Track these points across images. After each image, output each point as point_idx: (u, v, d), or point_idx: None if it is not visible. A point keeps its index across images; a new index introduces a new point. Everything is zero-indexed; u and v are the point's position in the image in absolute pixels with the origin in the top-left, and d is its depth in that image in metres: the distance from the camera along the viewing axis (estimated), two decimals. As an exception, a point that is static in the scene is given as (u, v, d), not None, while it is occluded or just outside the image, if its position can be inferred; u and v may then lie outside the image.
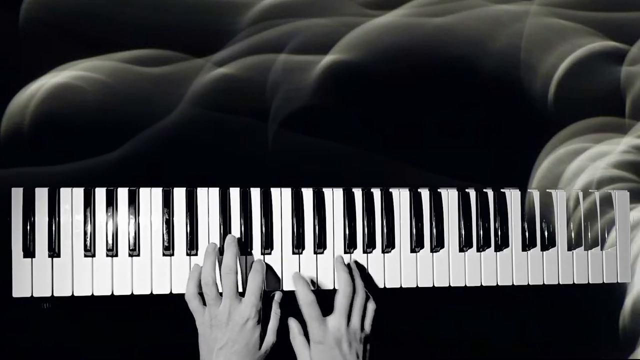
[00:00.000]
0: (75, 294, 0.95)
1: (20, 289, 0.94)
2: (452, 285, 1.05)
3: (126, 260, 0.97)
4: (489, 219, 1.06)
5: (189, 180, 1.00)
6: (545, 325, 1.16)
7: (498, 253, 1.07)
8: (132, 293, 0.96)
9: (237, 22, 1.05)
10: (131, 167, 1.01)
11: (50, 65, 0.99)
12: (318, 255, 1.01)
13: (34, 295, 0.94)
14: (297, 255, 1.01)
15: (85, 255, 0.95)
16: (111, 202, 0.96)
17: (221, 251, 0.96)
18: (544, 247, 1.08)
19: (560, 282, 1.08)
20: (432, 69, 1.11)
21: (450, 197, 1.06)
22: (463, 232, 1.05)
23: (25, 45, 1.00)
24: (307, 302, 0.92)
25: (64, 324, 1.00)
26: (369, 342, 0.95)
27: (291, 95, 1.06)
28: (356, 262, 1.02)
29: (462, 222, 1.05)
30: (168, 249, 0.97)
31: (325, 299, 0.99)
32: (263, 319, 0.93)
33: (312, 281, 1.01)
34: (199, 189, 0.99)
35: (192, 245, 0.97)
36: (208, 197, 0.99)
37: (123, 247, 0.96)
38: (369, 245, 1.02)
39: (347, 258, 1.02)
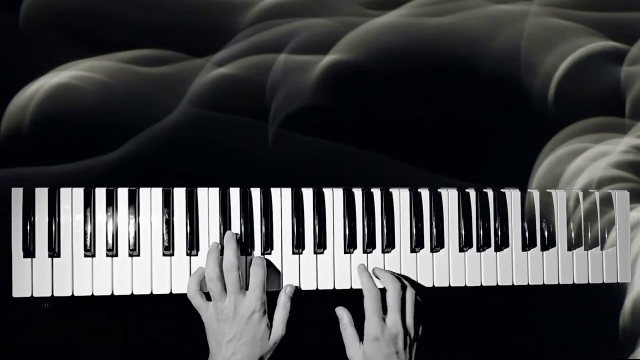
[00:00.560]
0: (75, 294, 0.95)
1: (20, 289, 0.94)
2: (452, 285, 1.05)
3: (126, 260, 0.97)
4: (489, 219, 1.06)
5: (189, 180, 1.00)
6: (545, 325, 1.16)
7: (498, 253, 1.07)
8: (132, 293, 0.96)
9: (237, 22, 1.05)
10: (131, 167, 1.01)
11: (50, 65, 0.99)
12: (318, 255, 1.01)
13: (34, 295, 0.94)
14: (297, 255, 1.01)
15: (85, 255, 0.95)
16: (111, 202, 0.96)
17: (221, 250, 0.96)
18: (544, 247, 1.08)
19: (560, 282, 1.08)
20: (432, 69, 1.11)
21: (450, 197, 1.06)
22: (463, 232, 1.05)
23: (25, 45, 1.00)
24: (371, 295, 0.93)
25: (64, 324, 1.00)
26: (418, 341, 0.95)
27: (291, 95, 1.06)
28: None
29: (462, 222, 1.05)
30: (168, 249, 0.97)
31: (325, 299, 1.00)
32: (269, 311, 0.94)
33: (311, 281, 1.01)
34: (199, 189, 0.99)
35: (192, 245, 0.97)
36: (208, 197, 0.99)
37: (123, 247, 0.96)
38: (369, 245, 1.02)
39: (347, 258, 1.02)
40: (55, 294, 0.94)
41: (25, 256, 0.94)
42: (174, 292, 0.97)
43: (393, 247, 1.03)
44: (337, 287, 1.01)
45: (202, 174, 1.02)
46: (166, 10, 1.04)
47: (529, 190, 1.09)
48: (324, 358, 1.00)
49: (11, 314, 0.98)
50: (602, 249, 1.10)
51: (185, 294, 0.95)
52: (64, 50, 1.00)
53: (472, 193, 1.07)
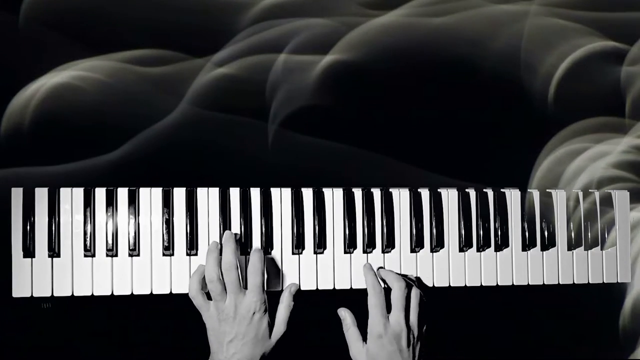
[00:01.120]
0: (75, 294, 0.95)
1: (20, 289, 0.94)
2: (452, 285, 1.05)
3: (126, 260, 0.97)
4: (489, 219, 1.06)
5: (189, 180, 1.00)
6: (545, 325, 1.16)
7: (498, 253, 1.07)
8: (132, 293, 0.96)
9: (237, 22, 1.05)
10: (131, 167, 1.01)
11: (50, 65, 0.99)
12: (318, 255, 1.01)
13: (34, 295, 0.94)
14: (297, 255, 1.01)
15: (85, 255, 0.95)
16: (111, 202, 0.96)
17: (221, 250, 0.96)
18: (544, 247, 1.08)
19: (560, 282, 1.08)
20: (432, 69, 1.11)
21: (450, 197, 1.06)
22: (463, 232, 1.05)
23: (25, 45, 1.00)
24: (375, 293, 0.93)
25: (64, 324, 1.00)
26: (422, 340, 0.95)
27: (291, 95, 1.06)
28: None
29: (462, 222, 1.05)
30: (168, 249, 0.97)
31: (325, 299, 1.00)
32: (270, 309, 0.94)
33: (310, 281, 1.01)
34: (199, 189, 0.99)
35: (192, 245, 0.97)
36: (208, 197, 0.99)
37: (123, 247, 0.96)
38: (369, 245, 1.02)
39: (347, 258, 1.02)
40: (55, 294, 0.94)
41: (25, 256, 0.94)
42: (174, 292, 0.97)
43: (393, 247, 1.03)
44: (337, 287, 1.01)
45: (202, 174, 1.02)
46: (166, 10, 1.04)
47: (529, 190, 1.09)
48: (324, 358, 1.00)
49: (11, 314, 0.98)
50: (602, 249, 1.10)
51: (186, 294, 0.94)
52: (64, 50, 1.00)
53: (472, 193, 1.07)
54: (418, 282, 1.02)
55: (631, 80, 1.17)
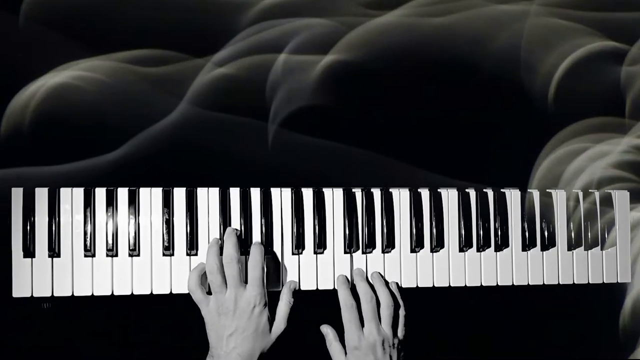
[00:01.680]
0: (75, 294, 0.95)
1: (20, 289, 0.94)
2: (452, 285, 1.05)
3: (126, 260, 0.97)
4: (489, 219, 1.06)
5: (189, 180, 1.00)
6: (545, 325, 1.16)
7: (498, 253, 1.07)
8: (132, 293, 0.96)
9: (237, 22, 1.05)
10: (131, 167, 1.01)
11: (50, 65, 0.99)
12: (318, 255, 1.01)
13: (34, 295, 0.94)
14: (297, 256, 1.01)
15: (85, 255, 0.95)
16: (111, 202, 0.96)
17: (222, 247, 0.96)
18: (544, 247, 1.08)
19: (560, 282, 1.08)
20: (432, 69, 1.11)
21: (450, 197, 1.06)
22: (463, 232, 1.05)
23: (25, 45, 1.00)
24: (347, 306, 0.96)
25: (64, 324, 1.00)
26: (404, 349, 0.97)
27: (291, 95, 1.06)
28: (379, 273, 1.03)
29: (462, 222, 1.05)
30: (168, 249, 0.97)
31: (325, 299, 1.00)
32: (271, 303, 0.94)
33: (311, 281, 1.01)
34: (199, 189, 0.99)
35: (192, 245, 0.97)
36: (208, 197, 0.99)
37: (123, 247, 0.96)
38: (369, 245, 1.02)
39: (347, 258, 1.02)
40: (55, 294, 0.94)
41: (25, 256, 0.94)
42: (174, 292, 0.97)
43: (393, 247, 1.03)
44: (336, 286, 1.01)
45: (202, 174, 1.02)
46: (166, 10, 1.04)
47: (529, 190, 1.09)
48: (324, 358, 1.00)
49: (11, 314, 0.98)
50: (602, 249, 1.10)
51: (186, 294, 0.95)
52: (64, 50, 1.00)
53: (472, 193, 1.07)
54: (393, 288, 1.02)
55: (631, 80, 1.17)
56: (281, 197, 1.01)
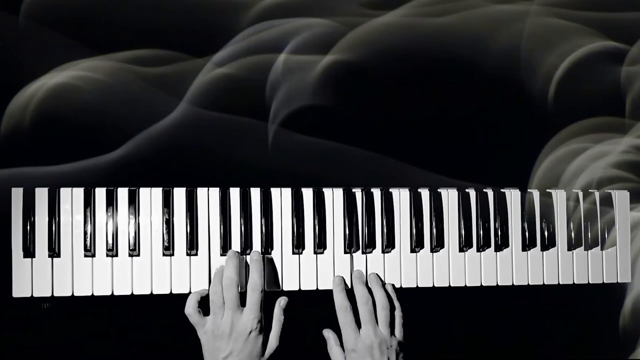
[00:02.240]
0: (75, 294, 0.95)
1: (20, 289, 0.94)
2: (452, 285, 1.05)
3: (126, 260, 0.97)
4: (489, 219, 1.06)
5: (189, 180, 1.00)
6: (545, 325, 1.16)
7: (498, 253, 1.07)
8: (132, 293, 0.96)
9: (237, 22, 1.05)
10: (131, 167, 1.01)
11: (50, 65, 0.99)
12: (318, 255, 1.01)
13: (34, 295, 0.94)
14: (297, 255, 1.01)
15: (85, 255, 0.95)
16: (111, 202, 0.96)
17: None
18: (544, 247, 1.08)
19: (560, 282, 1.08)
20: (433, 69, 1.11)
21: (450, 197, 1.06)
22: (463, 232, 1.05)
23: (25, 45, 1.00)
24: (342, 309, 0.96)
25: (64, 324, 1.00)
26: (402, 350, 0.97)
27: (291, 95, 1.06)
28: (377, 275, 1.02)
29: (462, 222, 1.05)
30: (168, 249, 0.97)
31: (325, 299, 0.99)
32: (265, 325, 0.94)
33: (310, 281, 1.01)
34: (199, 189, 0.99)
35: (192, 245, 0.97)
36: (208, 197, 0.99)
37: (123, 247, 0.96)
38: (369, 245, 1.02)
39: (347, 258, 1.02)
40: (55, 294, 0.94)
41: (25, 256, 0.94)
42: (174, 292, 0.97)
43: (393, 247, 1.03)
44: (332, 288, 1.01)
45: (202, 174, 1.02)
46: (166, 10, 1.04)
47: (529, 190, 1.09)
48: (324, 358, 1.00)
49: (11, 314, 0.98)
50: (602, 249, 1.10)
51: (186, 294, 0.95)
52: (64, 50, 1.00)
53: (472, 193, 1.07)
54: (389, 290, 1.01)
55: (631, 80, 1.17)
56: (281, 197, 1.01)
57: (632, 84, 1.16)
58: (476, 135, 1.12)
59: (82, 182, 0.97)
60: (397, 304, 0.99)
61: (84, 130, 1.01)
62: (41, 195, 0.95)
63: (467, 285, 1.05)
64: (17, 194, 0.94)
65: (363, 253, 1.03)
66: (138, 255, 0.97)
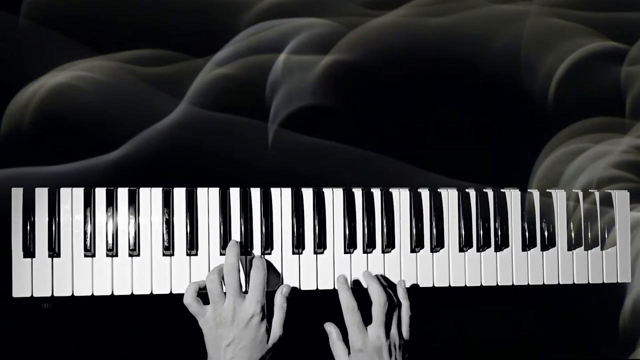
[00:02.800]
0: (75, 294, 0.95)
1: (20, 289, 0.94)
2: (452, 285, 1.05)
3: (126, 260, 0.97)
4: (489, 219, 1.06)
5: (189, 180, 1.00)
6: (545, 325, 1.16)
7: (498, 253, 1.07)
8: (132, 293, 0.96)
9: (237, 22, 1.05)
10: (131, 167, 1.01)
11: (50, 65, 0.99)
12: (318, 255, 1.01)
13: (34, 295, 0.94)
14: (297, 255, 1.01)
15: (85, 255, 0.95)
16: (111, 202, 0.96)
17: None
18: (544, 247, 1.08)
19: (560, 282, 1.08)
20: (432, 69, 1.11)
21: (450, 197, 1.06)
22: (463, 232, 1.05)
23: (25, 45, 1.00)
24: (349, 309, 0.94)
25: (64, 324, 1.00)
26: (408, 350, 0.96)
27: (291, 95, 1.06)
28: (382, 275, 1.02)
29: (462, 222, 1.05)
30: (168, 249, 0.97)
31: (325, 299, 1.00)
32: (268, 314, 0.94)
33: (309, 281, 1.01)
34: (199, 189, 0.99)
35: (192, 245, 0.97)
36: (208, 197, 0.99)
37: (123, 247, 0.96)
38: (369, 245, 1.02)
39: (347, 258, 1.02)
40: (55, 294, 0.94)
41: (25, 256, 0.94)
42: (174, 292, 0.97)
43: (393, 247, 1.03)
44: (337, 287, 1.01)
45: (202, 174, 1.02)
46: (166, 10, 1.04)
47: (529, 190, 1.09)
48: (324, 358, 1.00)
49: (11, 314, 0.98)
50: (602, 249, 1.10)
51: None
52: (64, 50, 1.00)
53: (472, 193, 1.07)
54: (399, 289, 1.00)
55: (631, 80, 1.17)
56: (281, 197, 1.01)
57: (632, 84, 1.17)
58: (476, 135, 1.12)
59: (82, 182, 0.97)
60: (406, 302, 0.98)
61: (84, 130, 1.01)
62: (41, 195, 0.95)
63: (467, 285, 1.05)
64: (17, 194, 0.94)
65: (363, 253, 1.03)
66: (138, 255, 0.97)
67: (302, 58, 1.06)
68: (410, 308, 0.99)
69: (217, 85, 1.04)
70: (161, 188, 0.98)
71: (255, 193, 1.00)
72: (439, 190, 1.06)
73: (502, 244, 1.06)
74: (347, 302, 0.95)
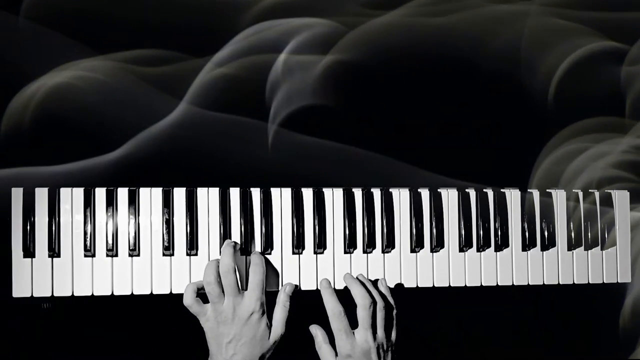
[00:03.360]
0: (75, 294, 0.95)
1: (20, 289, 0.94)
2: (452, 285, 1.05)
3: (126, 260, 0.97)
4: (489, 219, 1.06)
5: (189, 180, 1.00)
6: (546, 325, 1.16)
7: (498, 253, 1.07)
8: (132, 293, 0.96)
9: (237, 22, 1.06)
10: (131, 167, 1.01)
11: (50, 65, 0.99)
12: (318, 255, 1.01)
13: (34, 295, 0.94)
14: (297, 256, 1.01)
15: (85, 255, 0.95)
16: (111, 202, 0.96)
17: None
18: (544, 247, 1.08)
19: (560, 282, 1.08)
20: (432, 69, 1.11)
21: (450, 197, 1.06)
22: (463, 232, 1.05)
23: (25, 45, 1.00)
24: (335, 314, 0.94)
25: (64, 324, 1.00)
26: (394, 351, 0.96)
27: (291, 95, 1.06)
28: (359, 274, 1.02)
29: (462, 222, 1.05)
30: (168, 249, 0.97)
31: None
32: (269, 312, 0.94)
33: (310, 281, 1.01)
34: (199, 189, 0.99)
35: (192, 245, 0.97)
36: (208, 197, 0.99)
37: (123, 247, 0.96)
38: (369, 245, 1.02)
39: (347, 258, 1.02)
40: (55, 294, 0.94)
41: (25, 256, 0.94)
42: (174, 292, 0.97)
43: (393, 247, 1.03)
44: (337, 287, 1.01)
45: (202, 174, 1.02)
46: (166, 10, 1.04)
47: (529, 190, 1.09)
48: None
49: (11, 314, 0.98)
50: (602, 249, 1.10)
51: (185, 294, 0.95)
52: (64, 50, 1.00)
53: (472, 193, 1.07)
54: (383, 292, 0.99)
55: (631, 80, 1.17)
56: (281, 197, 1.01)
57: (632, 84, 1.17)
58: (476, 135, 1.12)
59: (82, 182, 0.97)
60: (390, 301, 0.97)
61: (84, 130, 1.01)
62: (41, 195, 0.95)
63: (467, 285, 1.05)
64: (17, 194, 0.94)
65: (363, 253, 1.03)
66: (138, 255, 0.97)
67: (302, 58, 1.07)
68: (410, 308, 0.99)
69: (217, 85, 1.04)
70: (161, 188, 0.98)
71: (255, 193, 1.00)
72: (439, 190, 1.06)
73: (502, 244, 1.06)
74: (333, 308, 0.94)
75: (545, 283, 1.08)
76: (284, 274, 1.00)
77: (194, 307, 0.92)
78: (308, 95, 1.07)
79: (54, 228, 0.94)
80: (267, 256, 1.00)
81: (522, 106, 1.13)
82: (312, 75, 1.07)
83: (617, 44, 1.16)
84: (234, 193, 1.00)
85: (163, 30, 1.03)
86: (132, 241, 0.96)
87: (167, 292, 0.97)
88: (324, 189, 1.02)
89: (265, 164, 1.04)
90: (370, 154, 1.08)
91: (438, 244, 1.04)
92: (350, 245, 1.01)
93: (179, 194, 0.98)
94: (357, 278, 0.99)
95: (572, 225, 1.09)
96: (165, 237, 0.97)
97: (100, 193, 0.97)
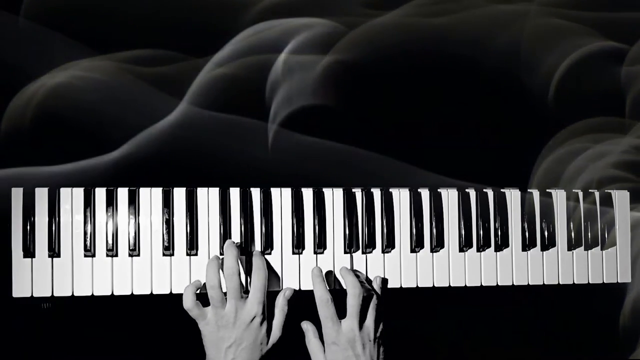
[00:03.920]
0: (75, 294, 0.95)
1: (20, 289, 0.94)
2: (452, 285, 1.05)
3: (126, 260, 0.97)
4: (489, 219, 1.06)
5: (189, 180, 1.00)
6: (545, 325, 1.16)
7: (498, 253, 1.07)
8: (132, 293, 0.96)
9: (237, 22, 1.06)
10: (131, 167, 1.01)
11: (50, 65, 0.99)
12: (318, 255, 1.01)
13: (34, 295, 0.94)
14: (297, 255, 1.01)
15: (85, 255, 0.95)
16: (111, 202, 0.96)
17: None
18: (544, 247, 1.08)
19: (560, 282, 1.08)
20: (432, 68, 1.11)
21: (450, 197, 1.06)
22: (463, 232, 1.05)
23: (25, 45, 1.00)
24: (322, 302, 0.94)
25: (64, 324, 1.00)
26: (383, 343, 0.96)
27: (291, 95, 1.06)
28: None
29: (462, 222, 1.05)
30: (168, 249, 0.97)
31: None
32: (268, 315, 0.94)
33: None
34: (199, 189, 0.99)
35: (192, 245, 0.97)
36: (208, 197, 0.99)
37: (123, 247, 0.96)
38: (369, 245, 1.02)
39: (347, 258, 1.02)
40: (55, 294, 0.94)
41: (25, 256, 0.94)
42: (174, 292, 0.97)
43: (393, 247, 1.03)
44: (336, 287, 1.01)
45: (202, 174, 1.02)
46: (166, 10, 1.04)
47: (529, 190, 1.09)
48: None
49: (11, 314, 0.98)
50: (602, 249, 1.10)
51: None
52: (64, 50, 1.00)
53: (472, 193, 1.07)
54: (376, 283, 1.00)
55: (631, 80, 1.17)
56: (281, 197, 1.01)
57: (632, 84, 1.17)
58: (476, 135, 1.12)
59: (82, 182, 0.97)
60: (381, 294, 0.97)
61: (84, 130, 1.01)
62: (41, 195, 0.95)
63: (467, 285, 1.05)
64: (17, 194, 0.94)
65: (363, 253, 1.03)
66: (138, 255, 0.97)
67: (302, 58, 1.07)
68: (410, 308, 0.99)
69: (217, 85, 1.04)
70: (161, 188, 0.98)
71: (255, 193, 1.00)
72: (439, 190, 1.06)
73: (502, 244, 1.06)
74: (321, 295, 0.94)
75: (545, 283, 1.08)
76: (283, 274, 1.00)
77: (194, 311, 0.91)
78: (308, 95, 1.07)
79: (54, 228, 0.94)
80: (267, 256, 1.00)
81: (522, 106, 1.13)
82: (312, 75, 1.07)
83: (617, 44, 1.16)
84: (234, 193, 1.00)
85: (163, 30, 1.03)
86: (132, 241, 0.96)
87: (167, 292, 0.97)
88: (324, 189, 1.02)
89: (265, 164, 1.04)
90: (370, 154, 1.08)
91: (438, 244, 1.04)
92: (350, 245, 1.01)
93: (179, 194, 0.98)
94: (353, 271, 0.99)
95: (572, 225, 1.09)
96: (165, 237, 0.97)
97: (100, 193, 0.97)
